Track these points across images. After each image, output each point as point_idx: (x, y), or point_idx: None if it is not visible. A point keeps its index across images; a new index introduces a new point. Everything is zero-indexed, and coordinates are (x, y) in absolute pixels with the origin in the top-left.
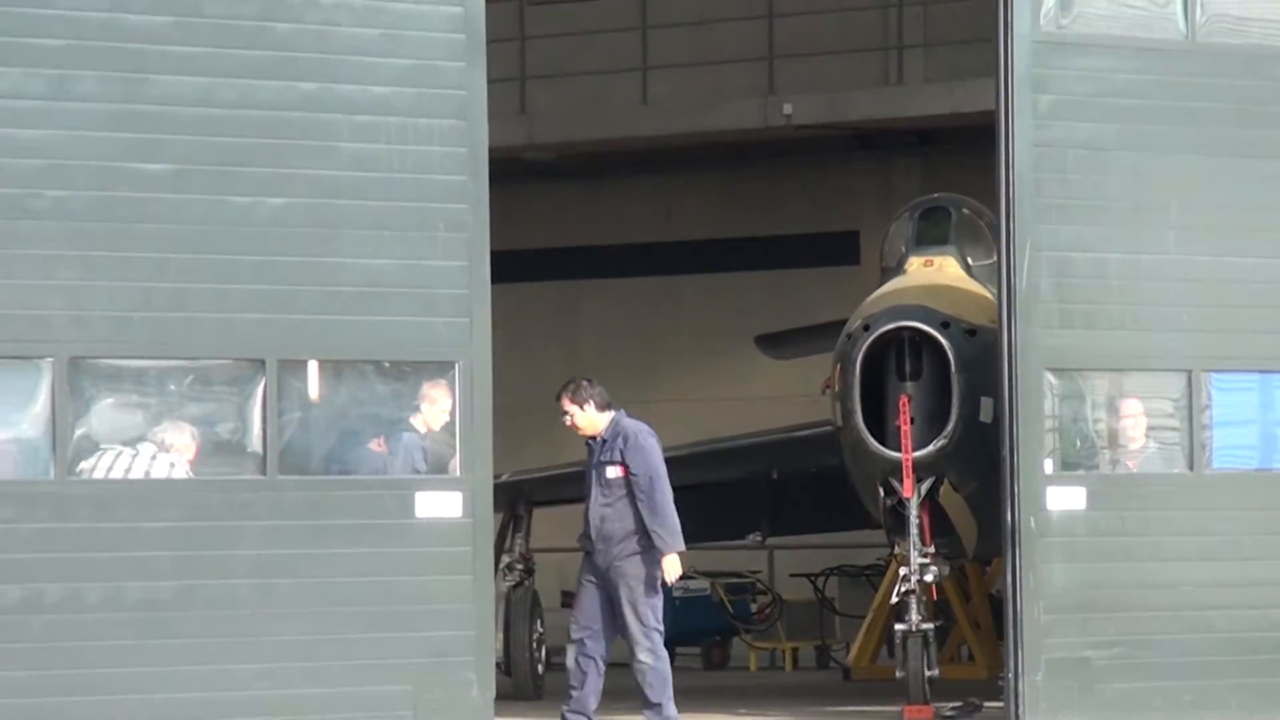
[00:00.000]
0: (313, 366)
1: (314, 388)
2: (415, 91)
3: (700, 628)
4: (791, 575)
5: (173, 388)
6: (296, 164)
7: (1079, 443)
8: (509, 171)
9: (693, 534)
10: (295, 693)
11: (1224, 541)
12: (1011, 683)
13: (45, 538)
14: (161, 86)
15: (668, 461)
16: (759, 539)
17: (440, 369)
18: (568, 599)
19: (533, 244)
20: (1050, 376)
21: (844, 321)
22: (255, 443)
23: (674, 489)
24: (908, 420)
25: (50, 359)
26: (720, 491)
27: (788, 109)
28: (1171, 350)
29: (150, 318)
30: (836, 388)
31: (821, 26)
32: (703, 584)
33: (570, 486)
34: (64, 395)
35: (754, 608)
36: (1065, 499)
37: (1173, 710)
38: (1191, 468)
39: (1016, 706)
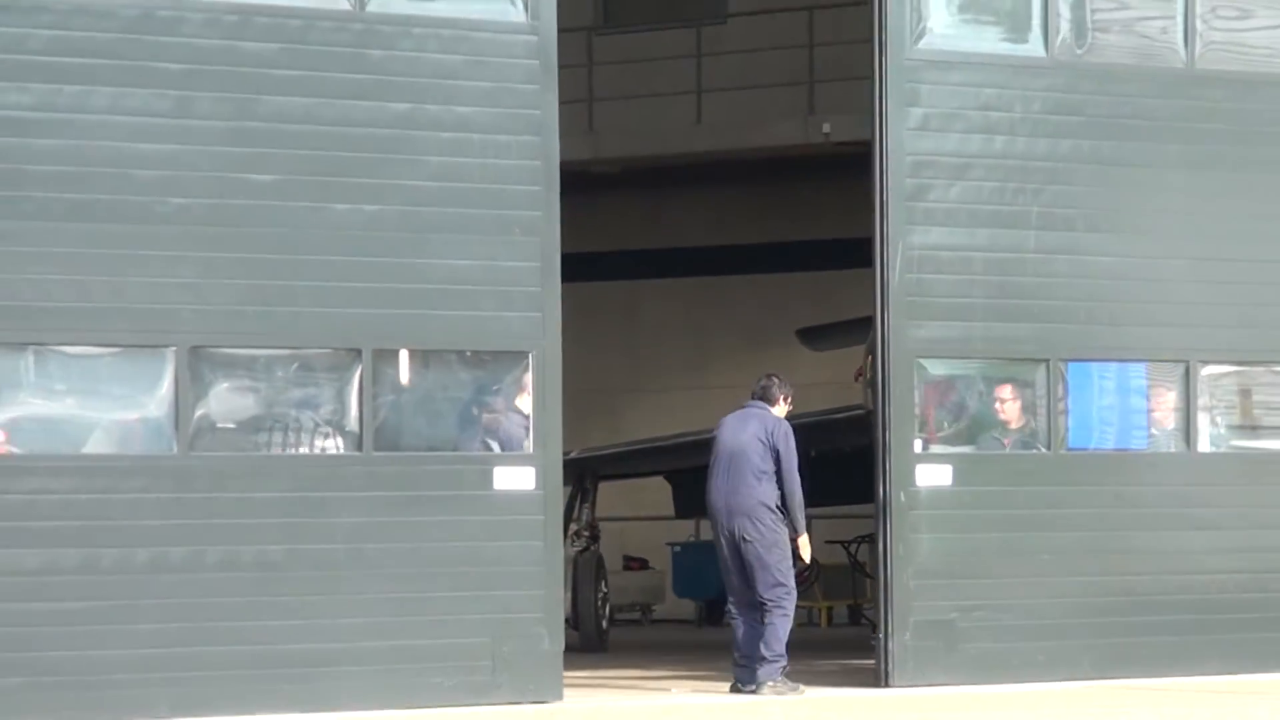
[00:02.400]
0: (403, 355)
1: (404, 374)
2: (495, 111)
3: None
4: (827, 542)
5: (280, 374)
6: (389, 175)
7: (946, 425)
8: (577, 183)
9: None
10: (387, 644)
11: (1078, 514)
12: (882, 642)
13: (169, 506)
14: (270, 105)
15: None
16: None
17: (516, 358)
18: (629, 563)
19: (598, 247)
20: (920, 364)
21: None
22: (353, 423)
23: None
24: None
25: (174, 348)
26: None
27: (826, 128)
28: (1031, 341)
29: (261, 311)
30: (868, 376)
31: (855, 55)
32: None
33: (630, 463)
34: (186, 380)
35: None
36: (933, 476)
37: (1029, 668)
38: (1049, 448)
39: (886, 664)
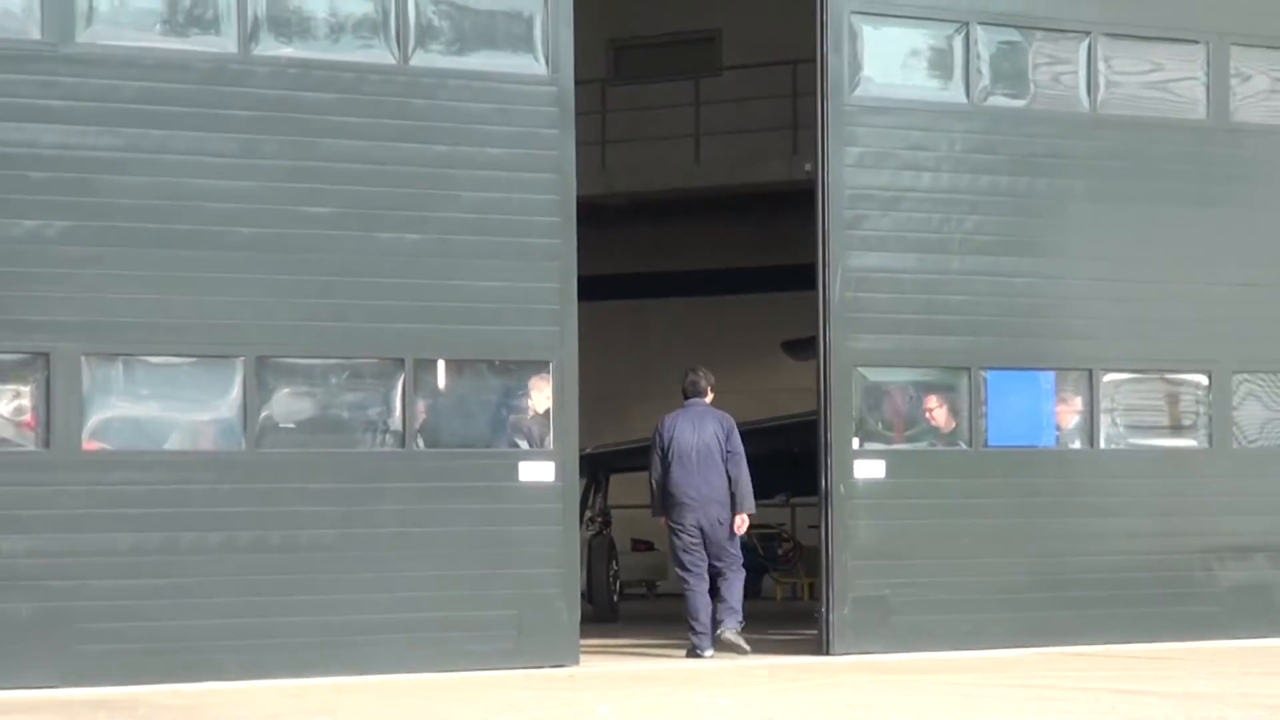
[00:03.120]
0: (440, 364)
1: (441, 380)
2: (520, 152)
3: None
4: (809, 526)
5: (334, 380)
6: (429, 208)
7: (880, 425)
8: (591, 214)
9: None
10: (427, 615)
11: (995, 503)
12: (824, 615)
13: (238, 496)
14: (326, 147)
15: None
16: (784, 499)
17: (538, 366)
18: (636, 545)
19: (610, 270)
20: (858, 372)
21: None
22: (397, 423)
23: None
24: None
25: (242, 358)
26: (754, 461)
27: (807, 166)
28: (955, 352)
29: (317, 326)
30: None
31: None
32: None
33: (638, 458)
34: (253, 386)
35: (779, 551)
36: (869, 470)
37: (952, 638)
38: (970, 445)
39: (828, 634)
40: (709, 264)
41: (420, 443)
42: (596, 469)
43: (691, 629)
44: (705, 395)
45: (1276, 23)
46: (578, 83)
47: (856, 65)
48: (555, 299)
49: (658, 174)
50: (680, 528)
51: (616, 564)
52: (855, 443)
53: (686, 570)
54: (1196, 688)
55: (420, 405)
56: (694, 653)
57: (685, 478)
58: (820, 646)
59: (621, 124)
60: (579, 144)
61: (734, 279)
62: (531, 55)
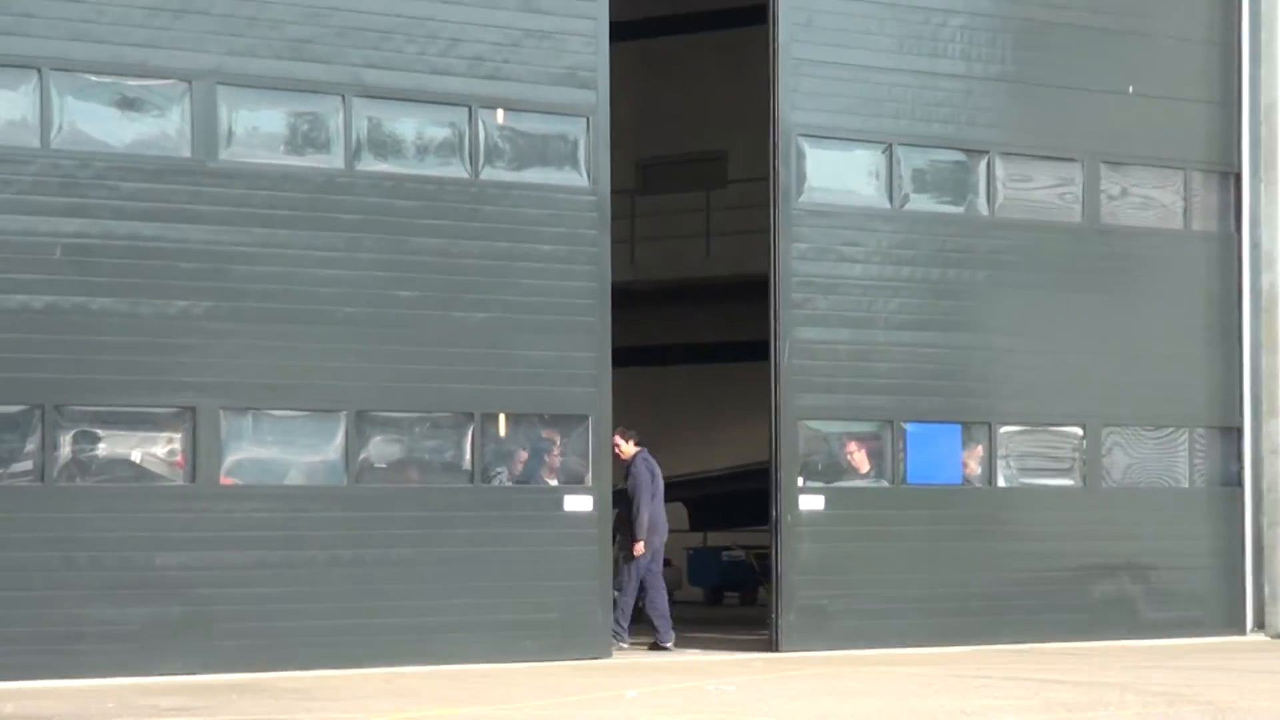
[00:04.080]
0: (501, 417)
1: (502, 429)
2: (566, 248)
3: (739, 580)
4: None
5: (416, 430)
6: (493, 292)
7: (820, 466)
8: (622, 298)
9: (745, 519)
10: (488, 618)
11: (913, 530)
12: (774, 621)
13: (341, 522)
14: (414, 243)
15: (733, 477)
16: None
17: (579, 419)
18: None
19: (637, 343)
20: (803, 423)
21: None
22: (466, 464)
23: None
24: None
25: (345, 411)
26: (738, 496)
27: None
28: (881, 408)
29: (404, 386)
30: None
31: None
32: (740, 553)
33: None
34: (353, 434)
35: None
36: (811, 503)
37: (880, 639)
38: (893, 483)
39: (777, 635)
40: (716, 338)
41: (484, 480)
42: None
43: (667, 624)
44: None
45: (1136, 147)
46: (613, 193)
47: (802, 177)
48: (593, 365)
49: (676, 265)
50: (657, 550)
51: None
52: (800, 481)
53: (655, 579)
54: (1099, 678)
55: (485, 450)
56: (661, 646)
57: (657, 509)
58: (770, 645)
59: (647, 226)
60: (613, 241)
61: (737, 350)
62: (576, 171)
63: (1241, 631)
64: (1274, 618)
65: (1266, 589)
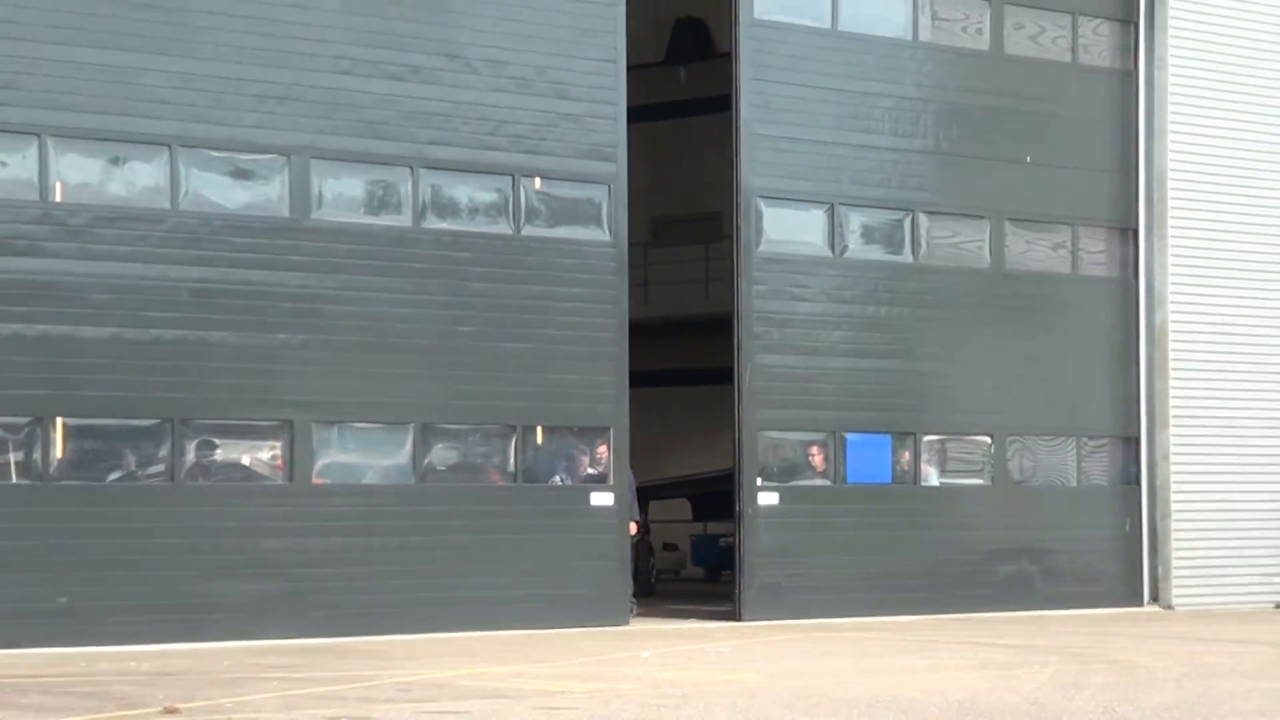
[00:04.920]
0: (539, 429)
1: (539, 438)
2: (592, 291)
3: (734, 562)
4: None
5: (470, 439)
6: (533, 326)
7: (776, 469)
8: (638, 332)
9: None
10: (527, 592)
11: (849, 520)
12: (738, 594)
13: (409, 514)
14: (468, 287)
15: (727, 477)
16: None
17: (602, 430)
18: (666, 546)
19: (649, 368)
20: (762, 433)
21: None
22: (510, 466)
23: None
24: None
25: (413, 424)
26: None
27: None
28: (826, 420)
29: (460, 404)
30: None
31: None
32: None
33: (667, 490)
34: (419, 443)
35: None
36: (767, 499)
37: (825, 611)
38: (834, 482)
39: (740, 607)
40: (714, 364)
41: (526, 480)
42: (640, 496)
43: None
44: None
45: (1038, 207)
46: (630, 245)
47: (760, 231)
48: (613, 386)
49: (681, 304)
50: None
51: (654, 558)
52: (759, 480)
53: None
54: (1025, 641)
55: (526, 455)
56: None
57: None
58: (734, 615)
59: (657, 272)
60: (630, 285)
61: (731, 374)
62: (600, 228)
63: (1140, 603)
64: (1166, 592)
65: (1160, 569)
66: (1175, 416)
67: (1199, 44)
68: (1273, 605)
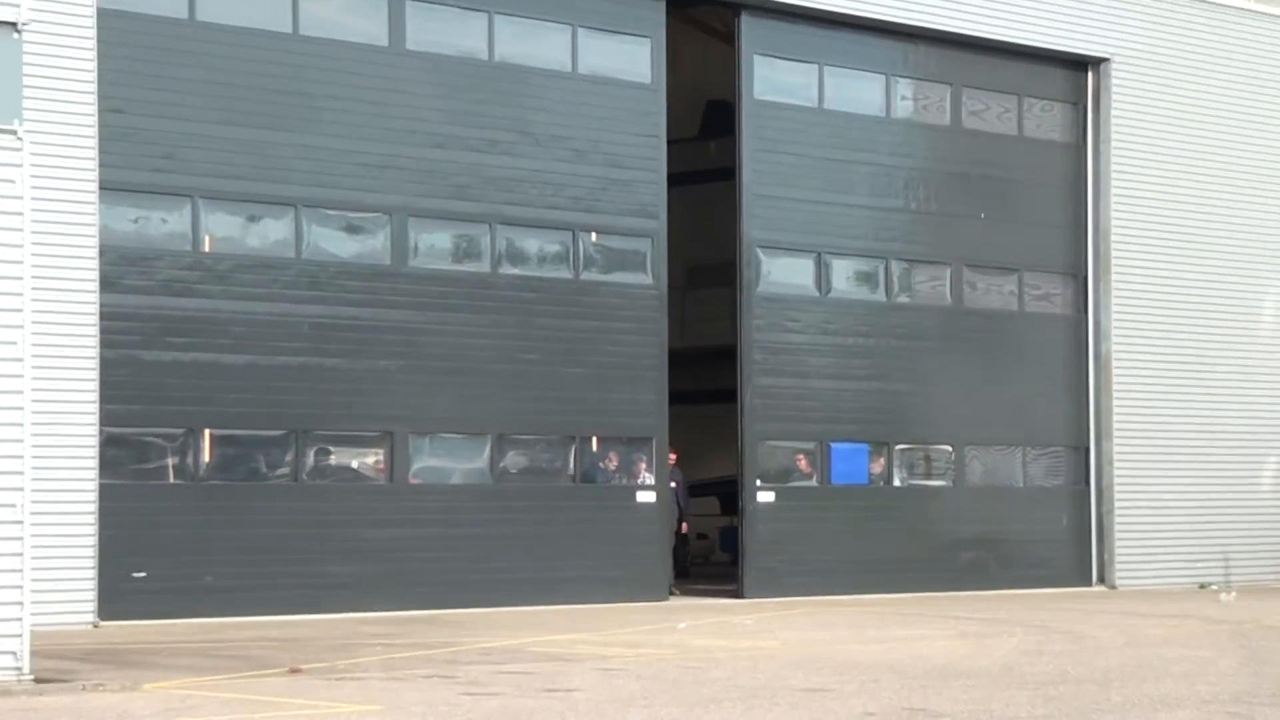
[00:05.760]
0: (594, 439)
1: (594, 446)
2: (637, 325)
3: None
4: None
5: (537, 447)
6: (588, 354)
7: (772, 471)
8: (675, 358)
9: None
10: (584, 574)
11: (836, 513)
12: (740, 576)
13: (487, 508)
14: (536, 323)
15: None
16: None
17: (645, 441)
18: (699, 535)
19: (685, 388)
20: (762, 443)
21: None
22: (570, 469)
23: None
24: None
25: (490, 435)
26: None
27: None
28: (814, 432)
29: (529, 418)
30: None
31: None
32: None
33: (700, 489)
34: (495, 450)
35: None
36: (765, 496)
37: (813, 590)
38: (820, 484)
39: (743, 586)
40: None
41: (583, 480)
42: (678, 494)
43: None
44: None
45: (993, 256)
46: (669, 288)
47: (759, 275)
48: (655, 404)
49: (711, 336)
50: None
51: (689, 545)
52: (758, 481)
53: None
54: (994, 615)
55: (584, 460)
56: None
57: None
58: (738, 593)
59: (691, 309)
60: (669, 320)
61: None
62: (645, 274)
63: (1089, 584)
64: (1111, 574)
65: (1105, 555)
66: (1118, 430)
67: (1138, 122)
68: (1197, 585)
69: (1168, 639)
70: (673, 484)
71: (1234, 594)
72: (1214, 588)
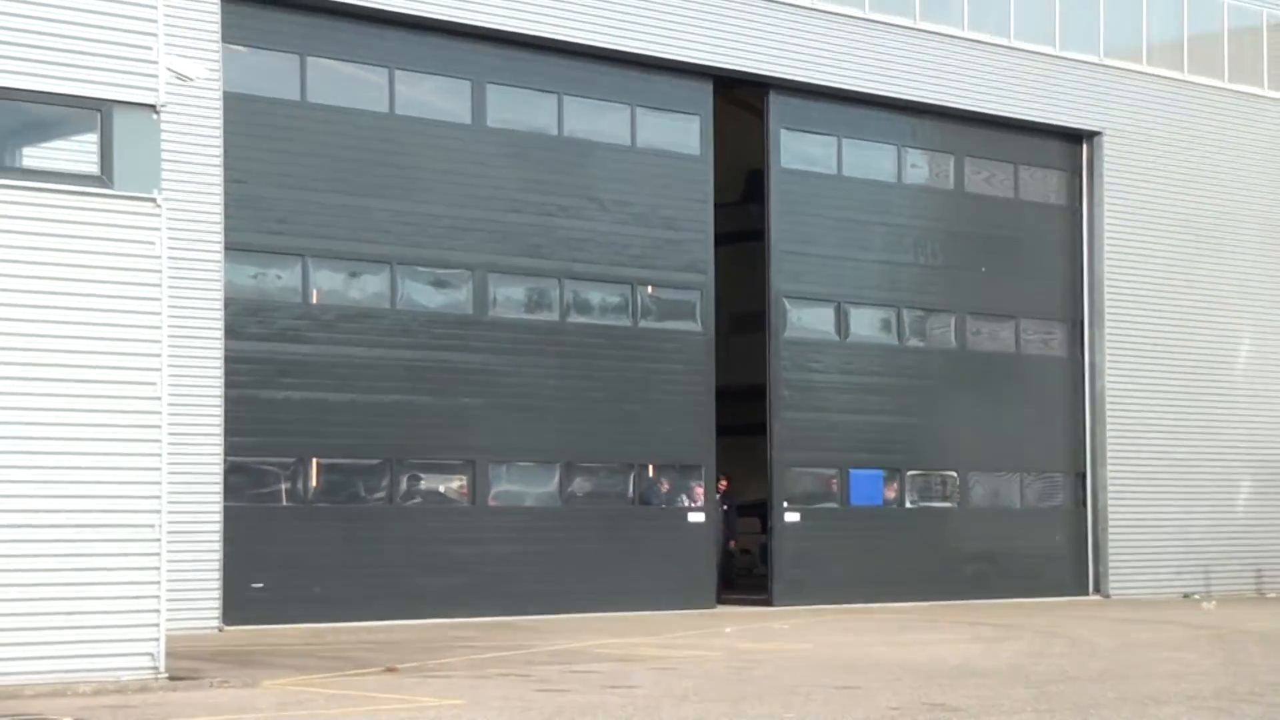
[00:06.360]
0: (650, 467)
1: (650, 473)
2: (688, 367)
3: None
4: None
5: (601, 473)
6: (647, 392)
7: (798, 495)
8: (721, 394)
9: None
10: (641, 584)
11: (853, 532)
12: (770, 587)
13: (557, 527)
14: (600, 365)
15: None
16: None
17: (696, 468)
18: (744, 551)
19: (729, 422)
20: (788, 470)
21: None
22: (630, 493)
23: None
24: None
25: (560, 463)
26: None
27: None
28: (834, 461)
29: (593, 447)
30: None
31: None
32: None
33: (743, 510)
34: (564, 476)
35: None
36: (792, 516)
37: (834, 599)
38: (840, 505)
39: (772, 595)
40: None
41: (642, 503)
42: (727, 513)
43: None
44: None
45: (990, 303)
46: (716, 334)
47: (786, 322)
48: (705, 435)
49: (751, 375)
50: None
51: (735, 560)
52: (785, 503)
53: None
54: (1003, 621)
55: (643, 486)
56: None
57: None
58: (769, 601)
59: (735, 352)
60: (716, 362)
61: None
62: (695, 322)
63: (1087, 594)
64: (1105, 586)
65: (1101, 568)
66: (1111, 458)
67: (1128, 188)
68: (1181, 595)
69: (1156, 643)
70: (724, 506)
71: (1214, 603)
72: (1196, 597)
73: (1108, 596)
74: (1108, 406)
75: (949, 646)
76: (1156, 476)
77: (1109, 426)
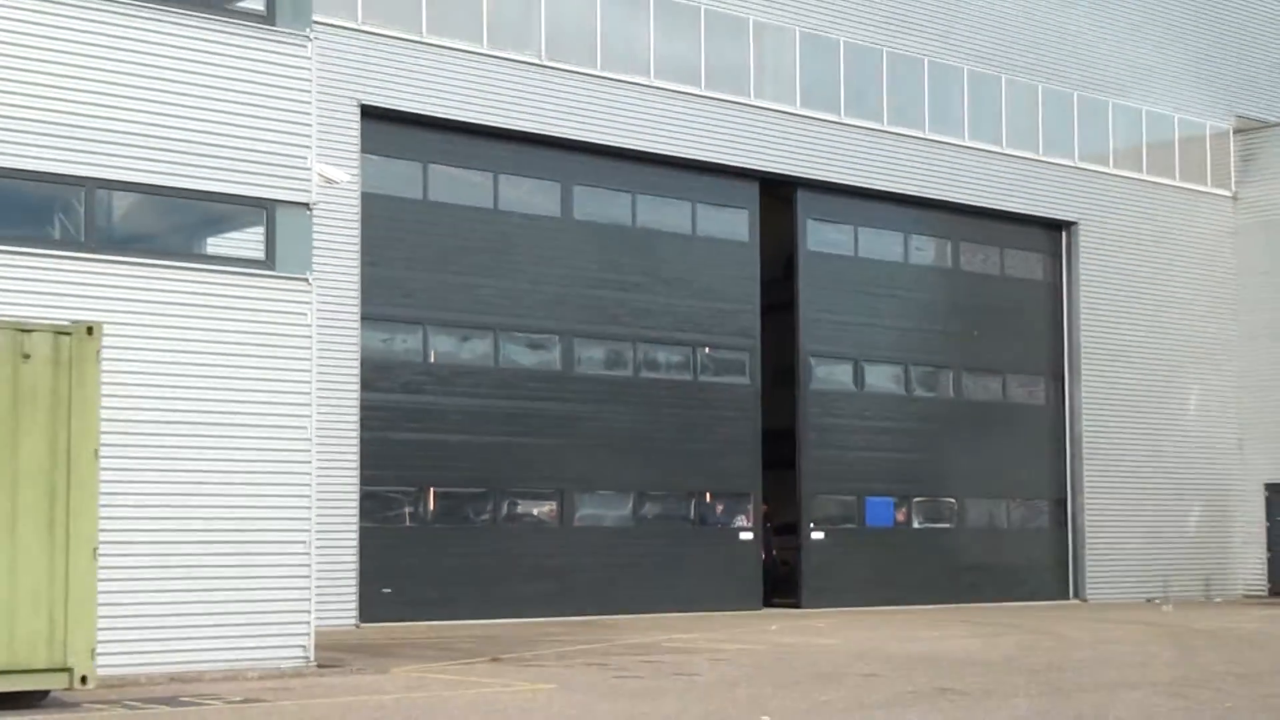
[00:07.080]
0: (707, 494)
1: (709, 499)
2: (738, 413)
3: None
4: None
5: (668, 499)
6: (705, 434)
7: (822, 517)
8: (766, 435)
9: None
10: (701, 589)
11: (870, 550)
12: (800, 593)
13: (631, 543)
14: (666, 413)
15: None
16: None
17: (746, 496)
18: (783, 563)
19: (775, 458)
20: (815, 497)
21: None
22: (690, 515)
23: None
24: None
25: (633, 491)
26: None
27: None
28: (852, 488)
29: (661, 478)
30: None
31: None
32: None
33: (784, 529)
34: (636, 501)
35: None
36: (817, 535)
37: (854, 603)
38: (858, 525)
39: (800, 598)
40: None
41: (696, 523)
42: (768, 529)
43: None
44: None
45: (983, 363)
46: (761, 386)
47: (811, 376)
48: (753, 468)
49: (787, 420)
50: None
51: (776, 567)
52: (811, 524)
53: None
54: (998, 621)
55: (696, 505)
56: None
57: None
58: (798, 604)
59: (777, 402)
60: (760, 409)
61: None
62: (745, 377)
63: (1068, 598)
64: (1083, 591)
65: (1079, 577)
66: (1088, 487)
67: (1102, 267)
68: (1145, 599)
69: (1124, 639)
70: (768, 524)
71: (1171, 606)
72: (1157, 601)
73: (1085, 600)
74: (1084, 445)
75: (952, 642)
76: (1124, 502)
77: (1086, 462)
